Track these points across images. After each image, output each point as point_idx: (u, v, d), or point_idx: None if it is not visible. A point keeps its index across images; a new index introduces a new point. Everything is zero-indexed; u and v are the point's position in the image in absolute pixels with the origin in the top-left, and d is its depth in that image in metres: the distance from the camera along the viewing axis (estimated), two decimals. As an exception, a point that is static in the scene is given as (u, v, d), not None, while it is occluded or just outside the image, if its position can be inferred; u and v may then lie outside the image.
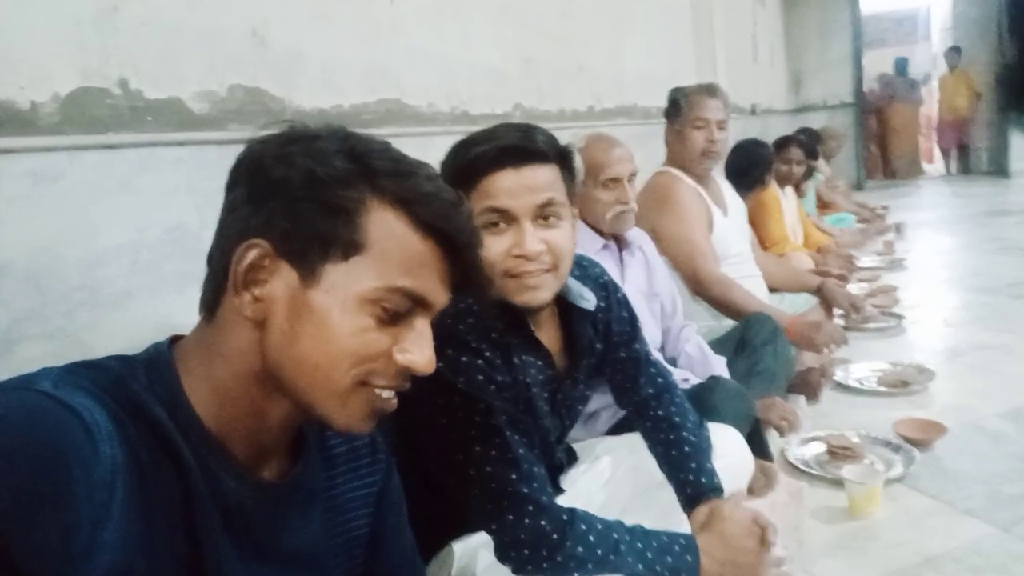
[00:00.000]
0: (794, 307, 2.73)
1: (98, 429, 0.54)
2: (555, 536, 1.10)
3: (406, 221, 0.64)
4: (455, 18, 2.32)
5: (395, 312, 0.64)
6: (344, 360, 0.63)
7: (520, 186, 1.07)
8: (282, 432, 0.69)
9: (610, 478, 1.51)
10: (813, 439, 2.02)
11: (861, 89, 8.32)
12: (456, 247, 0.67)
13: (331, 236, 0.62)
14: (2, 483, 0.50)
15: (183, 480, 0.60)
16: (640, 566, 1.13)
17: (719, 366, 2.00)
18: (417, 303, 0.66)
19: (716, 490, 1.32)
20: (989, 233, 5.24)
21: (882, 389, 2.40)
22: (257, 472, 0.68)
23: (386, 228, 0.63)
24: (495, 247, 1.08)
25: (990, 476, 1.82)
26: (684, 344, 2.10)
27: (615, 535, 1.14)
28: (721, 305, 2.39)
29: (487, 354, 1.11)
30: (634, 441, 1.57)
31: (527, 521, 1.10)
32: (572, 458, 1.51)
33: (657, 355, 1.82)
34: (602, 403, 1.73)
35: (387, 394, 0.66)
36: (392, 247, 0.63)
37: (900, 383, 2.40)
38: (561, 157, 1.12)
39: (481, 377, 1.10)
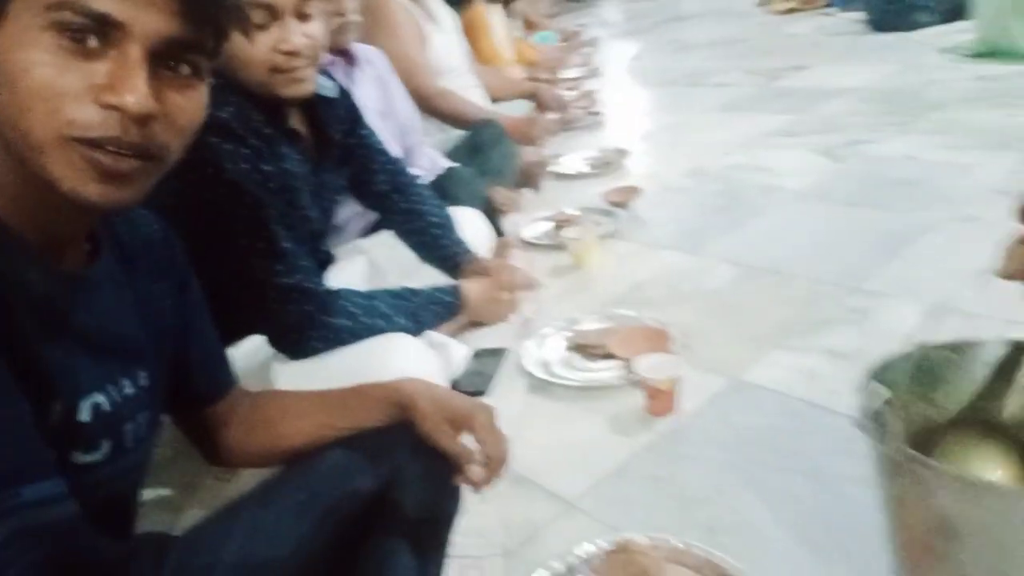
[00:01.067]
0: (512, 112, 2.95)
1: None
2: (322, 316, 1.18)
3: None
4: None
5: (83, 37, 0.55)
6: (35, 102, 0.55)
7: None
8: (73, 220, 0.64)
9: (370, 273, 1.62)
10: (541, 219, 2.29)
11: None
12: None
13: None
14: None
15: None
16: (409, 321, 1.28)
17: (452, 169, 2.16)
18: (107, 23, 0.56)
19: (470, 253, 1.51)
20: (667, 36, 5.93)
21: (590, 170, 2.76)
22: (60, 264, 0.64)
23: None
24: (259, 43, 1.08)
25: (678, 219, 2.25)
26: (420, 159, 2.22)
27: (379, 302, 1.26)
28: (447, 116, 2.53)
29: (252, 142, 1.12)
30: (385, 238, 1.69)
31: (293, 307, 1.16)
32: (330, 260, 1.59)
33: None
34: (350, 213, 1.81)
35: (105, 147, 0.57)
36: None
37: (604, 164, 2.77)
38: None
39: (247, 165, 1.11)
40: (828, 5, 5.50)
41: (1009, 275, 0.61)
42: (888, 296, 1.61)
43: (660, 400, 1.34)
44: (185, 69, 0.61)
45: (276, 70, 1.11)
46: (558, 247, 2.08)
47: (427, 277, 1.58)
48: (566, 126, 3.31)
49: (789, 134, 2.90)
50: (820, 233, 2.01)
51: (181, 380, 0.83)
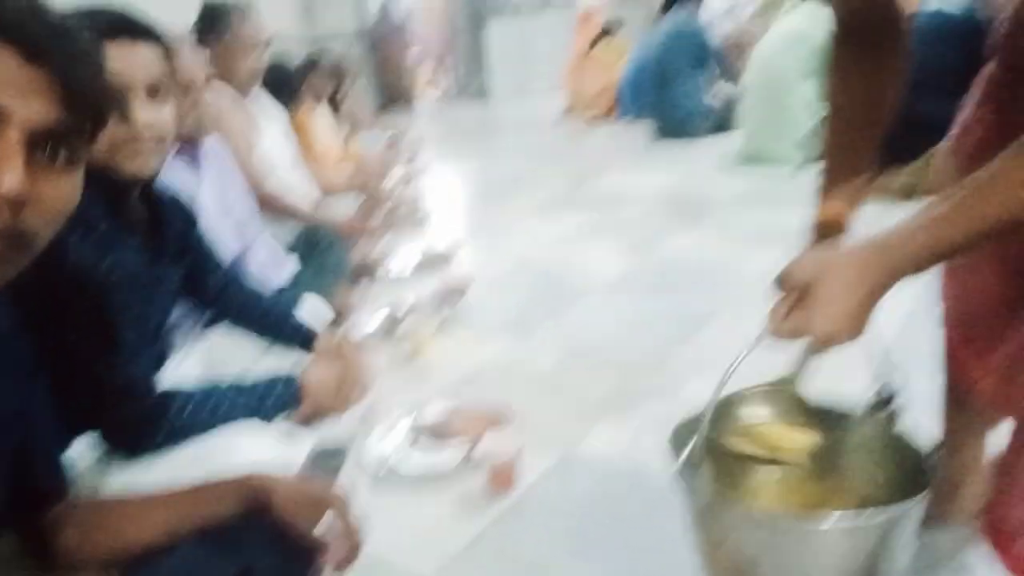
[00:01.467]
0: (341, 209, 3.03)
1: None
2: (156, 416, 1.15)
3: None
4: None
5: None
6: None
7: (133, 59, 1.11)
8: None
9: (206, 368, 1.59)
10: (377, 314, 2.37)
11: (366, 21, 8.90)
12: (22, 46, 0.57)
13: None
14: None
15: None
16: (246, 415, 1.28)
17: (292, 266, 2.20)
18: None
19: (312, 331, 1.55)
20: (484, 142, 6.38)
21: (420, 266, 2.89)
22: None
23: None
24: None
25: (505, 309, 2.44)
26: (258, 253, 2.22)
27: (214, 398, 1.25)
28: (281, 213, 2.56)
29: (95, 231, 1.11)
30: (221, 333, 1.68)
31: (131, 403, 1.13)
32: (167, 355, 1.55)
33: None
34: (186, 308, 1.78)
35: None
36: None
37: (434, 259, 2.92)
38: (163, 42, 1.18)
39: (90, 256, 1.09)
40: (619, 116, 6.19)
41: (776, 334, 0.78)
42: (689, 370, 1.85)
43: (501, 477, 1.44)
44: (62, 155, 0.61)
45: (118, 145, 1.12)
46: (396, 339, 2.15)
47: (267, 368, 1.58)
48: (393, 224, 3.44)
49: (596, 232, 3.23)
50: (627, 320, 2.26)
51: (20, 479, 0.78)
